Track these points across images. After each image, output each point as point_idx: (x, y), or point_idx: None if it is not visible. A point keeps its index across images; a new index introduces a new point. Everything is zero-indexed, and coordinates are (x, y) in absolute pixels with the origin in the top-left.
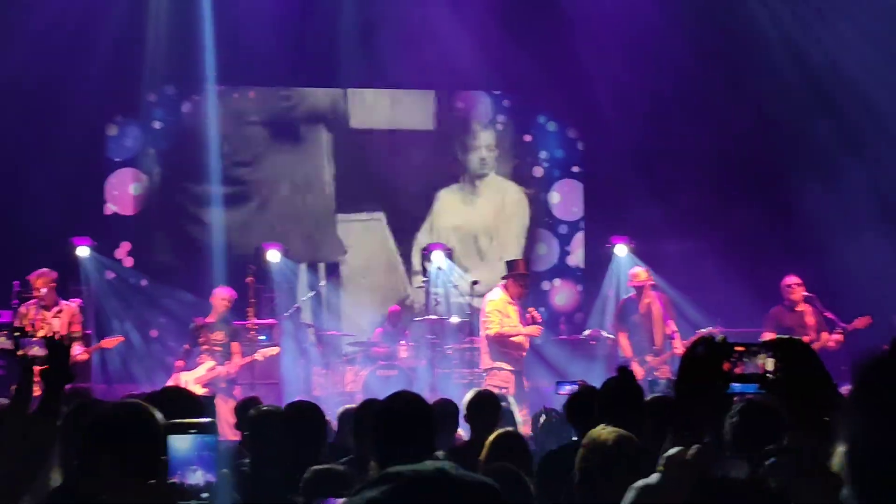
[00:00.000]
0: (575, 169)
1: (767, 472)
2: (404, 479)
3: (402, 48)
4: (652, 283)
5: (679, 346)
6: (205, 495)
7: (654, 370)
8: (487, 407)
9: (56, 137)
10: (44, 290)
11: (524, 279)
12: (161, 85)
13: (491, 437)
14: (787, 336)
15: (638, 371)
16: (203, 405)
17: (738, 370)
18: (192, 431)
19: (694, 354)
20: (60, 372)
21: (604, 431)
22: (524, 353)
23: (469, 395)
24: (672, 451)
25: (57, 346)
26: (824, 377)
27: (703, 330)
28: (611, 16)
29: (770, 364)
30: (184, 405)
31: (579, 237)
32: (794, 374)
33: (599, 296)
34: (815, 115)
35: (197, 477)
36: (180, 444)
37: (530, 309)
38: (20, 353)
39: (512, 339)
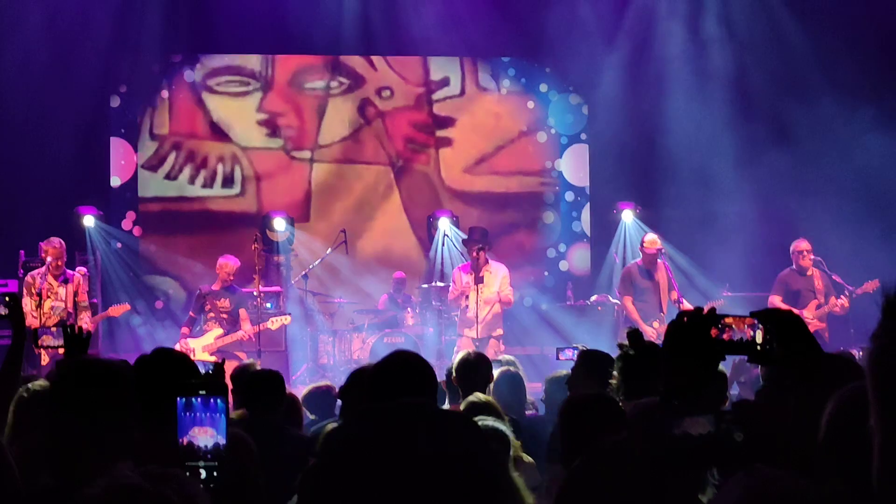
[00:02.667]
0: (582, 136)
1: (730, 428)
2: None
3: (403, 14)
4: (662, 249)
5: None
6: (213, 456)
7: (661, 336)
8: (479, 369)
9: (61, 109)
10: (53, 258)
11: None
12: (166, 55)
13: (462, 406)
14: (777, 308)
15: (650, 333)
16: (195, 369)
17: (725, 337)
18: (202, 392)
19: (680, 321)
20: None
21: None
22: None
23: (458, 357)
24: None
25: (74, 336)
26: (815, 350)
27: (714, 302)
28: None
29: (759, 335)
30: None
31: (585, 203)
32: (784, 346)
33: (606, 262)
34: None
35: (206, 439)
36: (189, 405)
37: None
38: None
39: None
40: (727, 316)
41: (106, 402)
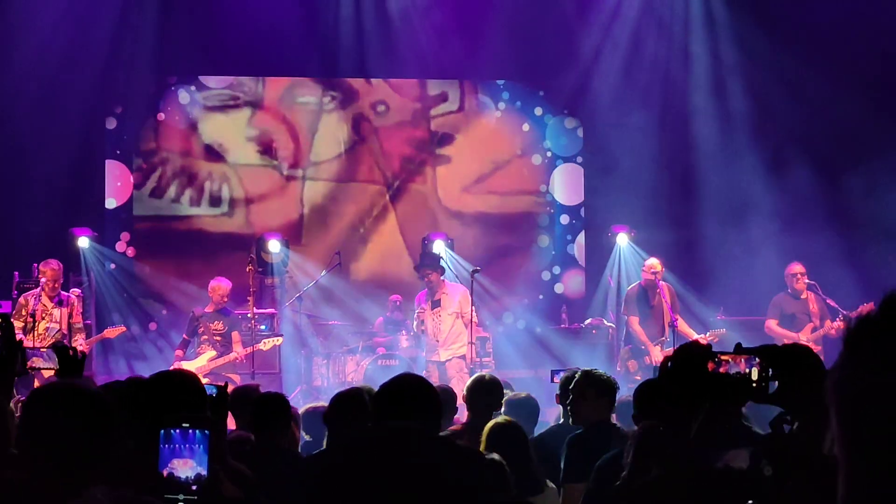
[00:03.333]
0: (577, 159)
1: (762, 462)
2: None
3: (401, 38)
4: (662, 273)
5: (688, 332)
6: (195, 488)
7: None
8: (492, 391)
9: (56, 130)
10: (49, 280)
11: None
12: (161, 76)
13: (488, 427)
14: (776, 345)
15: (658, 357)
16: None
17: (722, 370)
18: (185, 425)
19: (676, 355)
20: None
21: None
22: None
23: (471, 379)
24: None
25: (69, 359)
26: (816, 392)
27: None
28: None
29: (755, 372)
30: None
31: (580, 226)
32: (782, 384)
33: (600, 285)
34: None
35: (186, 471)
36: (169, 437)
37: None
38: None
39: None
40: (724, 353)
41: (77, 427)
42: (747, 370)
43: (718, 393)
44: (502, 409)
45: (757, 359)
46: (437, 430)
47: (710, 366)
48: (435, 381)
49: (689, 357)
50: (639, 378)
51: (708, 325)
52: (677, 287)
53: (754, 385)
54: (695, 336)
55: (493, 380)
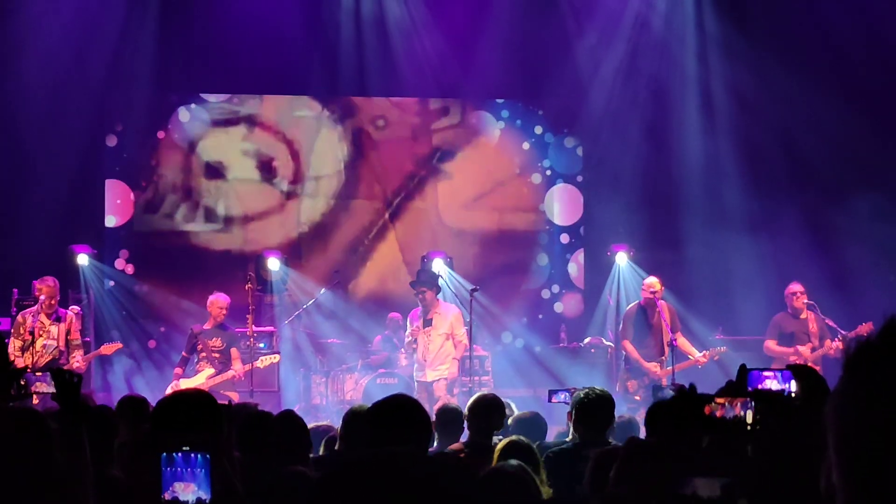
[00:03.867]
0: (577, 178)
1: (735, 494)
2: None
3: (400, 57)
4: (661, 292)
5: (689, 350)
6: None
7: (660, 380)
8: (493, 411)
9: (56, 147)
10: (46, 297)
11: None
12: (161, 94)
13: (500, 445)
14: (771, 391)
15: (655, 370)
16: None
17: (718, 414)
18: (186, 449)
19: (669, 403)
20: (73, 408)
21: None
22: None
23: (473, 398)
24: None
25: (66, 383)
26: (808, 440)
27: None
28: (611, 22)
29: (749, 416)
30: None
31: (579, 245)
32: (774, 428)
33: (599, 304)
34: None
35: (188, 495)
36: (171, 460)
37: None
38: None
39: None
40: (720, 396)
41: (15, 451)
42: (743, 414)
43: (715, 437)
44: (508, 428)
45: (752, 401)
46: (426, 450)
47: (707, 409)
48: (423, 401)
49: (684, 402)
50: (638, 398)
51: (707, 345)
52: (677, 306)
53: (748, 427)
54: (696, 355)
55: (494, 399)
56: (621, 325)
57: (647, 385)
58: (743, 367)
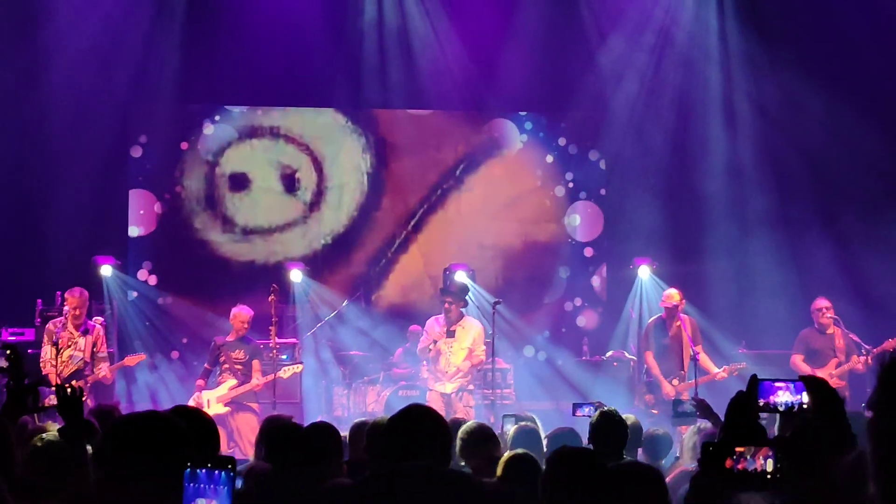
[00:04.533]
0: (600, 191)
1: None
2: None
3: (423, 69)
4: (682, 305)
5: (708, 366)
6: None
7: (680, 394)
8: (486, 442)
9: (81, 158)
10: (73, 308)
11: None
12: (186, 106)
13: (504, 458)
14: (787, 435)
15: (668, 391)
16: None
17: (740, 467)
18: (209, 466)
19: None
20: (75, 422)
21: None
22: None
23: (463, 429)
24: None
25: (68, 398)
26: (829, 482)
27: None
28: (635, 35)
29: (770, 464)
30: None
31: (602, 258)
32: (799, 475)
33: (622, 317)
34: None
35: None
36: (194, 476)
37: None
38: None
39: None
40: (742, 446)
41: None
42: (764, 465)
43: (739, 489)
44: (544, 447)
45: (773, 450)
46: (447, 463)
47: (729, 462)
48: (440, 410)
49: (707, 457)
50: (656, 412)
51: (729, 359)
52: (699, 320)
53: (769, 476)
54: (715, 370)
55: (482, 428)
56: (643, 338)
57: (663, 399)
58: (754, 377)
